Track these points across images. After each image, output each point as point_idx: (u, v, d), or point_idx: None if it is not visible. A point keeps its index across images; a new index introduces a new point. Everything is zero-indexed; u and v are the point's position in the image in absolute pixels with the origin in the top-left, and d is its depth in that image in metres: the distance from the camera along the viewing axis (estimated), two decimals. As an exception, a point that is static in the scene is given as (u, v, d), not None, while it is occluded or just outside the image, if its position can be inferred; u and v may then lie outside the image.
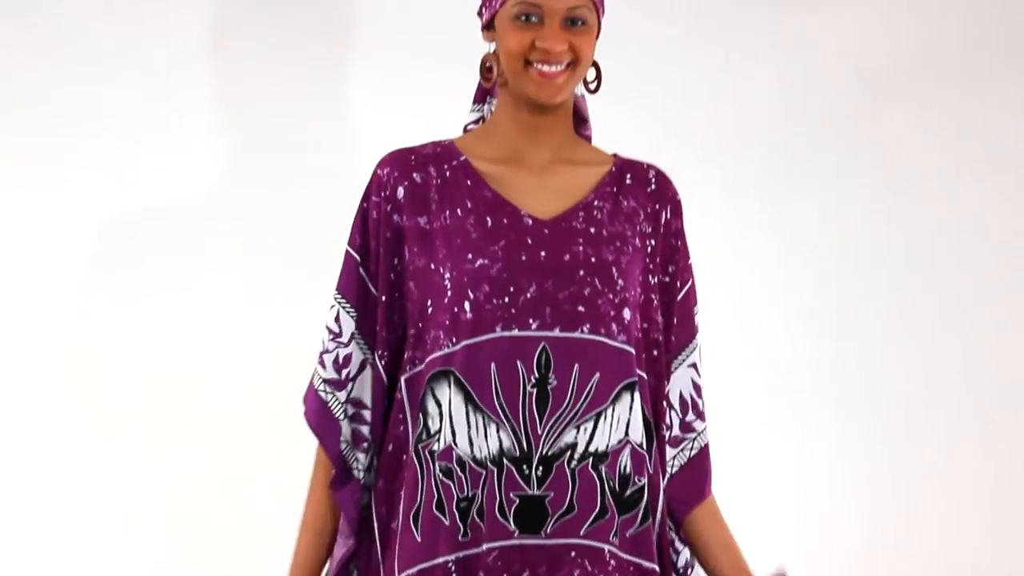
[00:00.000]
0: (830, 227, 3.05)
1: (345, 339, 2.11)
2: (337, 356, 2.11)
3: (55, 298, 2.86)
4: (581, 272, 2.02)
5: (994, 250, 3.07)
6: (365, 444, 2.10)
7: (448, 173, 2.09)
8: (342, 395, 2.11)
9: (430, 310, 2.05)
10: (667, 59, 2.98)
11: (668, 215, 2.14)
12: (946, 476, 3.06)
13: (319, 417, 2.11)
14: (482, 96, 2.20)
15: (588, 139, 2.23)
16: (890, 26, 3.06)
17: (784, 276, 3.03)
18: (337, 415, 2.10)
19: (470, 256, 2.02)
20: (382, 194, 2.09)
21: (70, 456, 2.85)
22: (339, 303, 2.12)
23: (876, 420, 3.05)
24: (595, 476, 2.01)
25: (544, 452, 2.00)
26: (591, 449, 2.01)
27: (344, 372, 2.11)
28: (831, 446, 3.04)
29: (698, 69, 3.00)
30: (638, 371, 2.07)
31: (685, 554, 2.15)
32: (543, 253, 2.03)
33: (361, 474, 2.10)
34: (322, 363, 2.12)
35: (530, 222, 2.05)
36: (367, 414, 2.10)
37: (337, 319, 2.11)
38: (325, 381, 2.12)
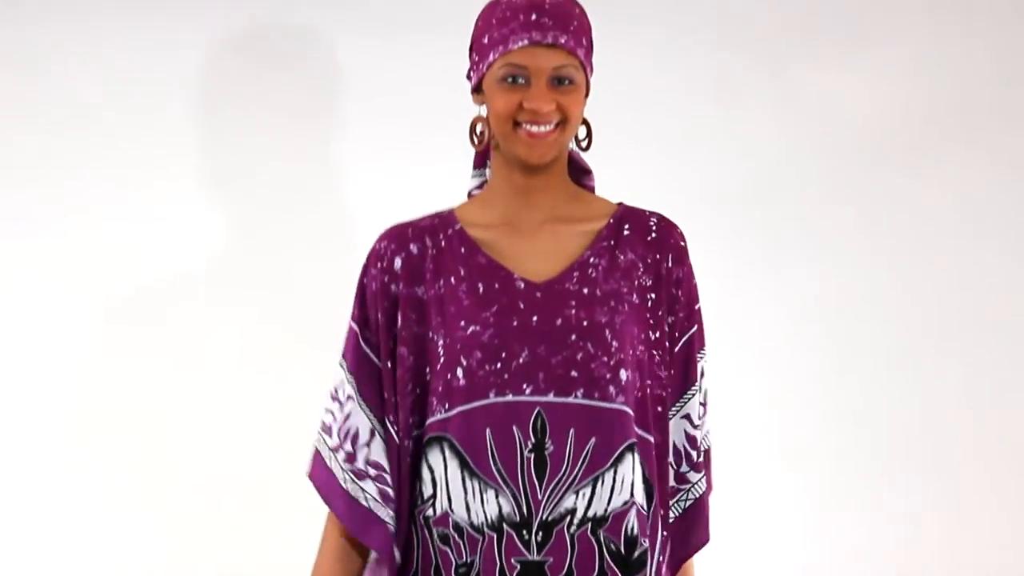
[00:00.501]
0: (830, 285, 3.01)
1: (348, 407, 2.10)
2: (341, 424, 2.11)
3: (56, 370, 2.85)
4: (573, 336, 2.01)
5: (997, 309, 3.04)
6: (392, 504, 2.08)
7: (443, 243, 2.10)
8: (341, 454, 2.09)
9: (428, 377, 2.05)
10: (666, 116, 2.97)
11: (670, 264, 2.10)
12: (958, 535, 3.03)
13: (326, 485, 2.11)
14: (482, 161, 2.19)
15: (591, 189, 2.21)
16: (890, 85, 3.03)
17: (784, 334, 2.99)
18: (340, 476, 2.09)
19: (462, 323, 2.02)
20: (379, 266, 2.10)
21: (74, 521, 2.84)
22: (344, 372, 2.12)
23: (883, 476, 3.02)
24: (594, 541, 1.99)
25: (544, 517, 1.99)
26: (589, 514, 2.00)
27: (341, 429, 2.10)
28: (839, 506, 3.01)
29: (697, 127, 2.98)
30: (640, 431, 2.06)
31: None
32: (535, 318, 2.02)
33: (392, 527, 2.07)
34: (328, 431, 2.12)
35: (522, 286, 2.04)
36: (389, 477, 2.09)
37: (342, 388, 2.11)
38: (331, 449, 2.11)
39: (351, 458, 2.09)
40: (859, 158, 3.02)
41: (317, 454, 2.13)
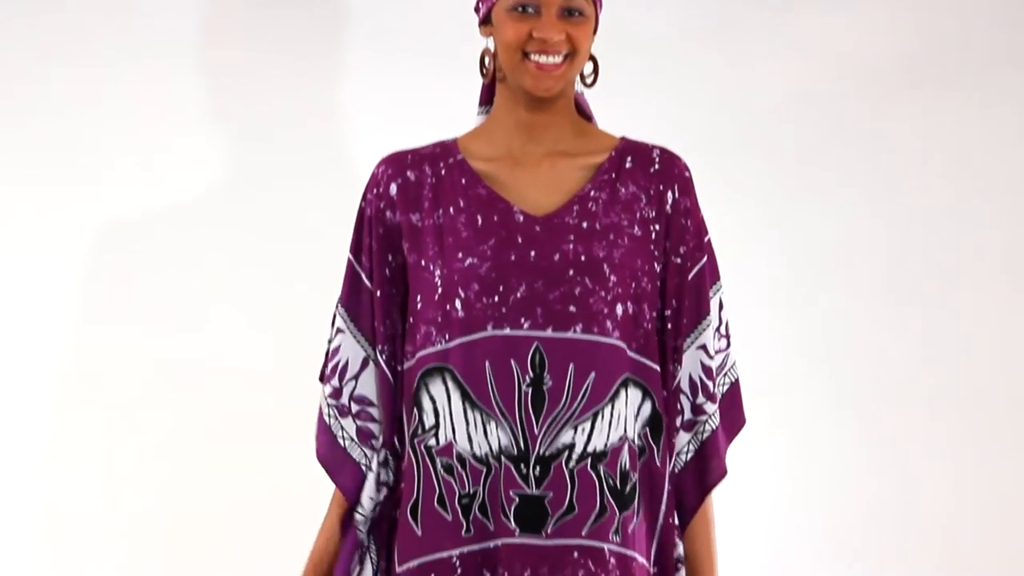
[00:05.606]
0: (829, 229, 2.99)
1: (333, 334, 2.13)
2: (327, 351, 2.14)
3: (53, 308, 2.86)
4: (571, 271, 2.00)
5: (995, 251, 3.01)
6: (374, 441, 2.11)
7: (444, 171, 2.09)
8: (327, 388, 2.13)
9: (419, 305, 2.05)
10: (663, 61, 2.93)
11: (676, 194, 2.08)
12: (940, 481, 3.03)
13: (318, 420, 2.15)
14: (488, 97, 2.17)
15: None
16: (889, 27, 2.98)
17: (782, 279, 2.98)
18: (325, 412, 2.13)
19: (460, 255, 2.02)
20: (375, 191, 2.11)
21: (67, 467, 2.86)
22: (339, 305, 2.14)
23: (871, 421, 3.01)
24: (594, 476, 1.99)
25: (541, 452, 1.99)
26: (590, 449, 1.99)
27: (330, 365, 2.13)
28: (825, 448, 3.02)
29: (695, 71, 2.96)
30: (647, 362, 2.05)
31: (679, 548, 2.12)
32: (533, 252, 2.01)
33: (371, 470, 2.10)
34: (323, 365, 2.16)
35: (521, 219, 2.03)
36: (375, 411, 2.11)
37: (336, 321, 2.14)
38: (322, 383, 2.15)
39: (337, 393, 2.12)
40: (859, 100, 2.98)
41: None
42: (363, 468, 2.10)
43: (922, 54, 3.00)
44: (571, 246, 2.01)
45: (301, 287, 2.82)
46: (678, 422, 2.10)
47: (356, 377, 2.11)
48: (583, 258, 2.00)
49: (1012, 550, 2.99)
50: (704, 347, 2.11)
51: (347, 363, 2.12)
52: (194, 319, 2.87)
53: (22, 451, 2.85)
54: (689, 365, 2.10)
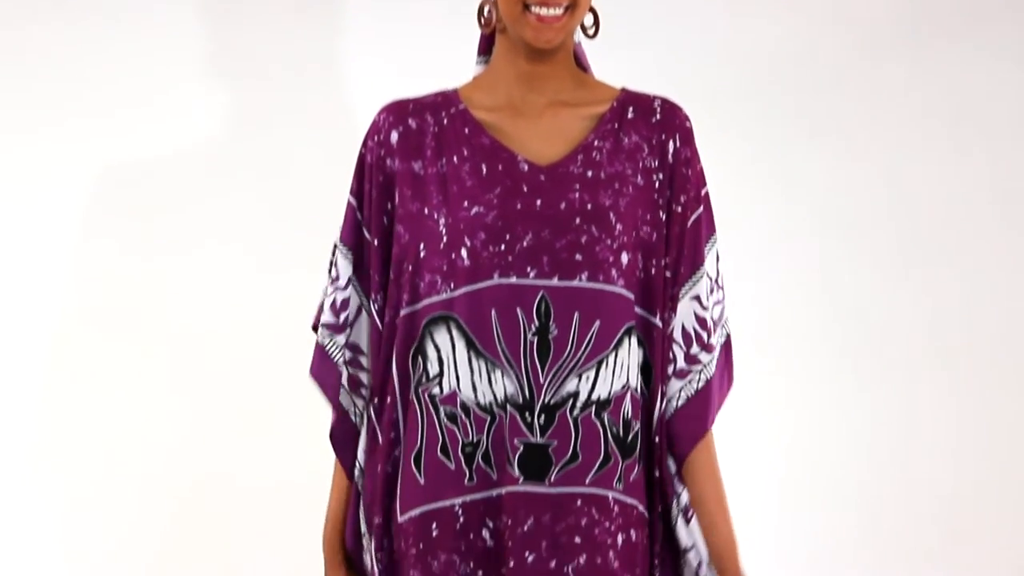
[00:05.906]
0: (828, 180, 3.01)
1: (342, 283, 2.13)
2: (335, 300, 2.14)
3: (54, 256, 2.87)
4: (577, 220, 2.00)
5: (993, 202, 3.03)
6: (363, 390, 2.13)
7: (446, 121, 2.09)
8: (340, 339, 2.13)
9: (422, 254, 2.05)
10: (660, 11, 2.94)
11: (677, 144, 2.08)
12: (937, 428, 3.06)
13: (318, 362, 2.15)
14: (487, 47, 2.16)
15: None
16: None
17: (780, 230, 3.00)
18: (335, 358, 2.13)
19: (466, 203, 2.02)
20: (375, 139, 2.10)
21: (67, 416, 2.87)
22: (339, 248, 2.14)
23: (869, 370, 3.05)
24: (598, 424, 2.01)
25: (546, 401, 2.00)
26: (593, 397, 2.01)
27: (342, 316, 2.13)
28: (821, 399, 3.05)
29: (695, 22, 2.96)
30: (644, 314, 2.06)
31: (685, 496, 2.11)
32: (539, 201, 2.01)
33: (357, 419, 2.13)
34: (322, 309, 2.16)
35: (526, 168, 2.03)
36: (364, 360, 2.13)
37: (336, 264, 2.14)
38: (324, 326, 2.15)
39: (338, 330, 2.13)
40: (859, 50, 3.00)
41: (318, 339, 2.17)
42: (352, 417, 2.13)
43: (922, 3, 3.00)
44: (577, 195, 2.01)
45: (301, 229, 2.83)
46: (670, 370, 2.10)
47: (352, 324, 2.13)
48: (589, 207, 2.01)
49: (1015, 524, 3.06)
50: (698, 298, 2.11)
51: (347, 310, 2.13)
52: (194, 260, 2.88)
53: (14, 408, 2.86)
54: (683, 315, 2.11)
